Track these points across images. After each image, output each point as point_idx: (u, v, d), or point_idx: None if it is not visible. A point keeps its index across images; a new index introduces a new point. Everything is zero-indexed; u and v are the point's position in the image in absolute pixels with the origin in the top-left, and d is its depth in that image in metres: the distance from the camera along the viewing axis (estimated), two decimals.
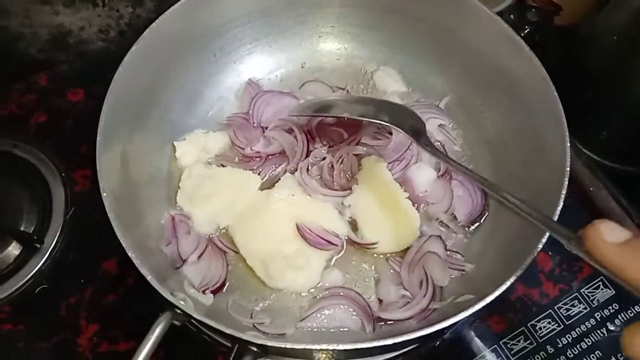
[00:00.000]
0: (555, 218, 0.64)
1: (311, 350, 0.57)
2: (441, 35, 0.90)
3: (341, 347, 0.55)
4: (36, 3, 1.01)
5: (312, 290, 0.78)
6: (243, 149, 0.87)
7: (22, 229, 0.90)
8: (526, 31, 1.04)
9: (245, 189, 0.83)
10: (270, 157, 0.87)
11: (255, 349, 0.58)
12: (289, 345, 0.56)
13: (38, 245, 0.89)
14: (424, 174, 0.85)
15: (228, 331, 0.57)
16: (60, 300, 0.86)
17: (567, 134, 0.71)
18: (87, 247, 0.90)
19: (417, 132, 0.74)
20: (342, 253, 0.81)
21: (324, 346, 0.56)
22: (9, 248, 0.88)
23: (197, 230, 0.81)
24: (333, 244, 0.79)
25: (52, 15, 1.04)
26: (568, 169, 0.68)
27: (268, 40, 0.96)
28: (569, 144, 0.70)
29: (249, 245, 0.79)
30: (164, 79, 0.86)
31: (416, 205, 0.83)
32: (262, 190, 0.84)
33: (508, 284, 0.61)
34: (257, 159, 0.88)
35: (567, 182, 0.67)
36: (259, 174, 0.86)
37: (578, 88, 1.00)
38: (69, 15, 1.05)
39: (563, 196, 0.66)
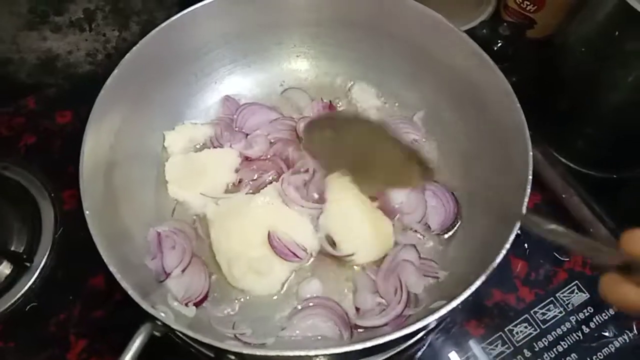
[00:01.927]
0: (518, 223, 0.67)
1: (285, 357, 0.59)
2: (414, 53, 0.93)
3: (313, 352, 0.58)
4: (24, 29, 1.04)
5: (294, 301, 0.80)
6: (222, 145, 0.91)
7: (12, 248, 0.92)
8: (499, 45, 1.08)
9: (225, 163, 0.89)
10: (259, 160, 0.91)
11: (233, 357, 0.60)
12: (263, 353, 0.58)
13: (28, 264, 0.91)
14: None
15: (206, 340, 0.59)
16: (50, 317, 0.88)
17: (530, 142, 0.74)
18: (75, 265, 0.92)
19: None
20: (309, 263, 0.83)
21: (296, 352, 0.58)
22: (0, 267, 0.91)
23: (196, 211, 0.87)
24: (298, 257, 0.81)
25: (40, 40, 1.07)
26: (530, 176, 0.71)
27: (247, 61, 0.99)
28: (530, 152, 0.73)
29: (220, 242, 0.82)
30: (146, 100, 0.89)
31: (391, 216, 0.85)
32: (246, 194, 0.88)
33: (476, 285, 0.63)
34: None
35: (529, 189, 0.70)
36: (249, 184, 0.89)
37: (553, 98, 1.04)
38: (57, 40, 1.09)
39: (526, 202, 0.69)
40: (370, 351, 0.66)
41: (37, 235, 0.94)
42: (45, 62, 1.11)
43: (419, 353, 0.85)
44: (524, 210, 0.69)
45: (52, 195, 0.98)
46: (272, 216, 0.82)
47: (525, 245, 0.94)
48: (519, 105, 0.77)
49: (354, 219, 0.82)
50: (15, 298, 0.89)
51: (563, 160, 1.03)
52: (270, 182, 0.88)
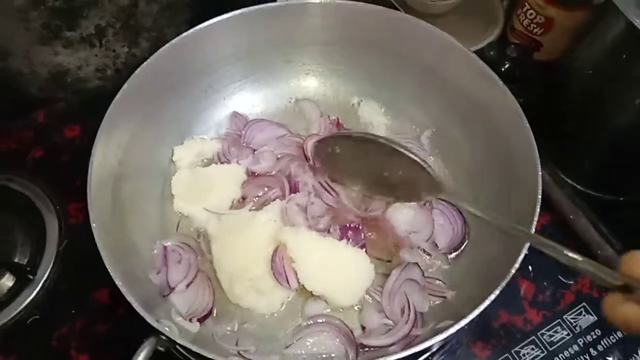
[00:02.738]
0: (527, 244, 0.66)
1: None
2: (423, 72, 0.94)
3: None
4: (36, 44, 1.05)
5: (298, 318, 0.80)
6: (229, 161, 0.92)
7: (15, 260, 0.92)
8: (506, 66, 1.08)
9: (231, 179, 0.90)
10: (260, 176, 0.92)
11: None
12: None
13: (31, 277, 0.90)
14: (402, 213, 0.87)
15: (210, 356, 0.58)
16: (52, 330, 0.87)
17: (539, 163, 0.74)
18: (79, 278, 0.92)
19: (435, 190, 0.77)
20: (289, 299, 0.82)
21: None
22: (3, 279, 0.90)
23: (199, 225, 0.87)
24: (288, 284, 0.78)
25: (51, 55, 1.08)
26: (540, 196, 0.71)
27: (256, 77, 1.00)
28: (540, 173, 0.73)
29: (222, 259, 0.81)
30: (155, 115, 0.90)
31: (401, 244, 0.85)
32: (250, 210, 0.87)
33: (484, 305, 0.63)
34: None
35: (539, 209, 0.70)
36: (254, 200, 0.89)
37: (559, 120, 1.04)
38: (67, 56, 1.10)
39: (535, 222, 0.69)
40: None
41: (41, 248, 0.94)
42: (55, 77, 1.12)
43: None
44: (533, 230, 0.69)
45: (58, 208, 0.98)
46: (274, 234, 0.81)
47: (530, 267, 0.93)
48: (528, 125, 0.77)
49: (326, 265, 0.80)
50: (17, 311, 0.88)
51: (570, 182, 1.03)
52: (274, 200, 0.88)
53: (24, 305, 0.88)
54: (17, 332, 0.87)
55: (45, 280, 0.91)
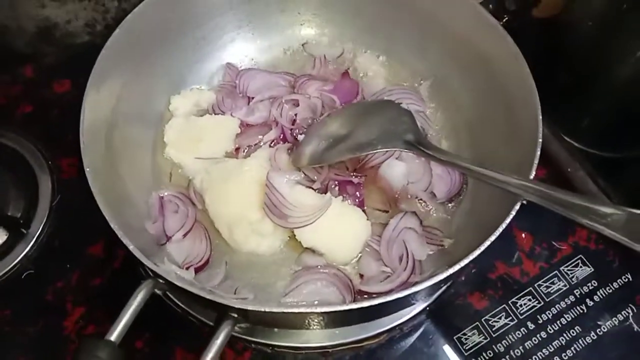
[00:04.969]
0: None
1: (291, 315, 0.58)
2: (422, 21, 0.92)
3: (318, 309, 0.56)
4: None
5: (295, 266, 0.79)
6: (223, 113, 0.90)
7: (9, 214, 0.90)
8: (504, 19, 1.06)
9: (224, 130, 0.88)
10: (254, 127, 0.90)
11: (235, 315, 0.59)
12: (268, 309, 0.56)
13: (24, 231, 0.90)
14: (395, 170, 0.85)
15: (208, 297, 0.58)
16: (47, 284, 0.87)
17: (539, 106, 0.72)
18: (73, 233, 0.91)
19: (414, 141, 0.74)
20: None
21: (302, 309, 0.57)
22: None
23: (190, 175, 0.86)
24: (285, 221, 0.76)
25: (38, 7, 1.05)
26: (540, 139, 0.70)
27: (250, 28, 0.98)
28: (540, 116, 0.72)
29: (217, 208, 0.81)
30: (149, 64, 0.88)
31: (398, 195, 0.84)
32: (239, 158, 0.86)
33: (479, 251, 0.62)
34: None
35: (539, 152, 0.69)
36: (245, 150, 0.88)
37: (557, 77, 1.02)
38: (55, 9, 1.07)
39: (535, 165, 0.68)
40: (373, 314, 0.65)
41: (34, 203, 0.93)
42: (43, 31, 1.09)
43: (424, 325, 0.84)
44: (532, 175, 0.68)
45: (50, 163, 0.96)
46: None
47: (530, 219, 0.93)
48: (528, 70, 0.76)
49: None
50: (12, 265, 0.87)
51: (568, 140, 1.02)
52: (265, 145, 0.87)
53: (18, 259, 0.88)
54: (12, 287, 0.86)
55: (38, 235, 0.90)
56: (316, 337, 0.79)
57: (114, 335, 0.57)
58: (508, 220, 0.65)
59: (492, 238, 0.63)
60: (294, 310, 0.57)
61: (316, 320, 0.63)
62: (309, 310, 0.57)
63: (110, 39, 0.79)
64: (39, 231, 0.90)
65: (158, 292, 0.62)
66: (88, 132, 0.72)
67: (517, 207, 0.65)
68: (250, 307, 0.57)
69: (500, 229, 0.64)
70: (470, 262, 0.62)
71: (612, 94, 0.95)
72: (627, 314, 0.86)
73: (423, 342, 0.83)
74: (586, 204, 0.60)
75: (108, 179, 0.74)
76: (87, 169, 0.67)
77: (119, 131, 0.81)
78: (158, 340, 0.82)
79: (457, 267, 0.61)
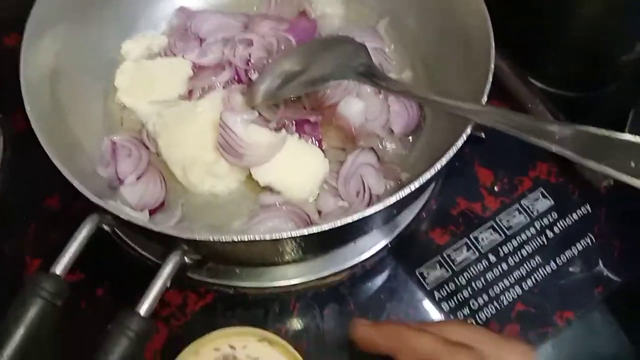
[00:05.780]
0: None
1: (242, 244, 0.57)
2: None
3: (267, 236, 0.56)
4: None
5: (253, 204, 0.79)
6: (175, 55, 0.88)
7: None
8: None
9: (177, 73, 0.86)
10: (207, 69, 0.88)
11: (185, 247, 0.58)
12: (215, 238, 0.56)
13: None
14: (353, 107, 0.84)
15: (156, 229, 0.57)
16: (3, 239, 0.85)
17: (492, 34, 0.72)
18: (27, 187, 0.89)
19: (367, 72, 0.74)
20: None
21: (251, 237, 0.56)
22: None
23: (143, 120, 0.84)
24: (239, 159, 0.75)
25: None
26: (492, 66, 0.69)
27: None
28: (493, 44, 0.71)
29: (171, 150, 0.79)
30: (95, 10, 0.85)
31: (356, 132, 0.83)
32: (191, 100, 0.84)
33: (431, 173, 0.62)
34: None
35: (491, 77, 0.68)
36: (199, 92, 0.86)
37: (522, 16, 1.01)
38: None
39: (487, 90, 0.68)
40: (326, 242, 0.65)
41: None
42: None
43: (385, 261, 0.84)
44: (484, 100, 0.68)
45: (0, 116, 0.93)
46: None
47: (492, 156, 0.93)
48: (484, 4, 0.74)
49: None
50: None
51: (533, 81, 1.01)
52: (219, 87, 0.85)
53: None
54: None
55: None
56: (278, 276, 0.79)
57: (58, 269, 0.56)
58: (459, 143, 0.64)
59: (444, 161, 0.63)
60: (243, 238, 0.56)
61: (270, 252, 0.63)
62: (258, 238, 0.56)
63: None
64: None
65: (106, 228, 0.60)
66: (29, 81, 0.70)
67: (469, 130, 0.65)
68: (198, 238, 0.56)
69: (452, 152, 0.63)
70: (422, 186, 0.62)
71: (576, 33, 0.94)
72: (586, 244, 0.88)
73: (385, 278, 0.84)
74: (534, 122, 0.60)
75: (57, 127, 0.72)
76: (28, 108, 0.65)
77: (66, 79, 0.78)
78: (118, 285, 0.81)
79: (407, 191, 0.60)
